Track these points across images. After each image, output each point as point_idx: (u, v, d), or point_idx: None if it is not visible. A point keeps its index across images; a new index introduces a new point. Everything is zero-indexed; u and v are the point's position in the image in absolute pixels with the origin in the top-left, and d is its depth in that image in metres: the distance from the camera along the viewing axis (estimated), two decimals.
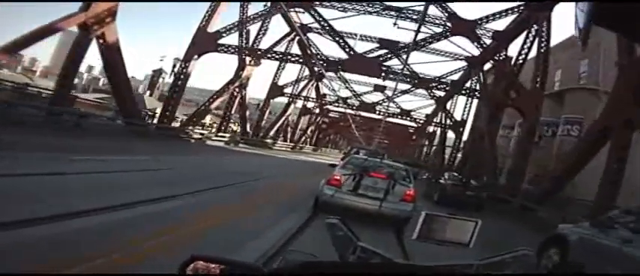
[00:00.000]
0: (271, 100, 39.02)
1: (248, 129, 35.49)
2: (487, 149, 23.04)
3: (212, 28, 25.82)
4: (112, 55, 19.66)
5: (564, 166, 16.98)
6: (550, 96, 25.01)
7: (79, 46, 18.62)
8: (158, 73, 50.50)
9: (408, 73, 28.64)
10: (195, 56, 25.70)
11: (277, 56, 30.38)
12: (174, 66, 29.68)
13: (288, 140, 47.35)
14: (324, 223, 1.60)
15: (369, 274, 1.26)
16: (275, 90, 38.24)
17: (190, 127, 26.15)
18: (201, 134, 27.25)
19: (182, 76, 25.15)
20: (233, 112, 32.63)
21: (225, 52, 27.13)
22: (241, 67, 30.23)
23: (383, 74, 27.45)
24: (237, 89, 31.26)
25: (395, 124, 55.20)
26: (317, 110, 53.12)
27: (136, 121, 21.18)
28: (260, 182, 12.19)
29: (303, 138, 54.53)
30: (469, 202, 14.54)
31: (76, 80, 30.85)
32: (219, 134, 30.93)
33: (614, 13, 0.79)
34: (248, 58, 30.15)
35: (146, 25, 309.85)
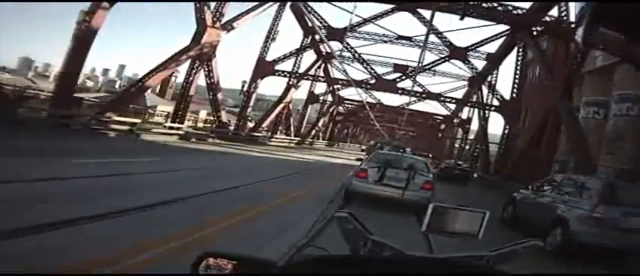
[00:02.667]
0: (260, 82, 29.86)
1: (225, 118, 26.23)
2: (572, 136, 18.16)
3: None
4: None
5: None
6: (592, 73, 19.08)
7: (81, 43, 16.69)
8: (170, 74, 43.58)
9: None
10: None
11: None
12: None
13: (293, 134, 38.19)
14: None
15: (381, 266, 1.24)
16: (262, 67, 29.01)
17: (110, 115, 17.13)
18: (133, 124, 18.18)
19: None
20: (192, 93, 23.40)
21: None
22: (202, 28, 21.11)
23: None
24: (197, 60, 22.10)
25: (420, 114, 48.69)
26: (329, 97, 44.56)
27: None
28: None
29: (313, 132, 46.06)
30: (458, 177, 22.67)
31: (91, 83, 34.09)
32: (177, 124, 21.79)
33: (615, 13, 0.78)
34: (209, 15, 20.96)
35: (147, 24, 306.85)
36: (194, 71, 22.31)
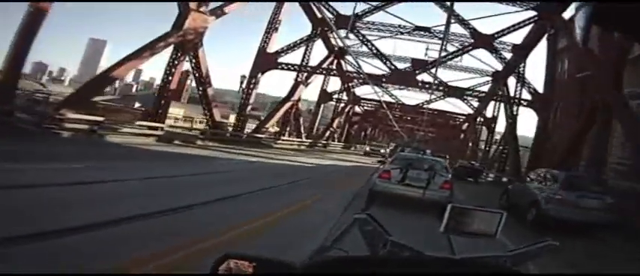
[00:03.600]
0: (262, 77, 26.60)
1: (219, 117, 22.98)
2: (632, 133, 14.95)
3: None
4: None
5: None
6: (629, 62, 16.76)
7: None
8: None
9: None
10: None
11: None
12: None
13: (303, 136, 34.89)
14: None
15: (401, 267, 1.25)
16: (263, 60, 25.78)
17: (64, 112, 14.17)
18: (97, 123, 15.13)
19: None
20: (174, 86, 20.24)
21: None
22: (184, 11, 18.08)
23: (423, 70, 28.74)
24: (180, 49, 19.00)
25: (440, 113, 45.49)
26: (344, 96, 41.12)
27: None
28: None
29: (327, 133, 42.92)
30: (470, 175, 24.72)
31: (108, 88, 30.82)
32: (156, 124, 18.61)
33: (615, 13, 0.78)
34: None
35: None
36: (176, 62, 19.14)
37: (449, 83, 30.59)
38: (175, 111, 37.73)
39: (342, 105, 42.36)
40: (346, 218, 6.30)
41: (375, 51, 28.74)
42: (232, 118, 34.79)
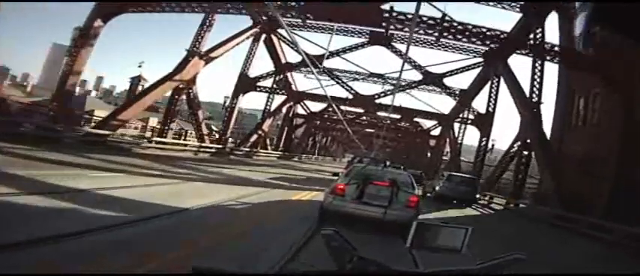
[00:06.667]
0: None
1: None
2: None
3: None
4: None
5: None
6: None
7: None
8: (136, 79, 44.52)
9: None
10: None
11: None
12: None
13: (208, 139, 27.90)
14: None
15: None
16: (244, 83, 29.30)
17: None
18: None
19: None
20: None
21: None
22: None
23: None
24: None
25: (402, 127, 45.98)
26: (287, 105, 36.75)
27: None
28: None
29: (255, 137, 33.97)
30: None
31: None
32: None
33: (614, 13, 0.76)
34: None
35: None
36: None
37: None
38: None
39: (279, 102, 34.83)
40: None
41: (339, 80, 32.28)
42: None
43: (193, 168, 16.27)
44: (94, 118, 22.58)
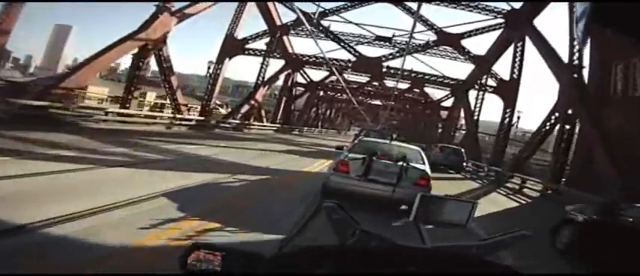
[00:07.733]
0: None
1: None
2: None
3: None
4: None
5: None
6: None
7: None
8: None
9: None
10: None
11: None
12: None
13: (187, 110, 25.48)
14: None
15: (370, 256, 1.23)
16: (231, 45, 25.24)
17: None
18: None
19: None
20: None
21: None
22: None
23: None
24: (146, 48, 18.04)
25: (410, 98, 42.41)
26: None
27: None
28: None
29: (246, 108, 30.33)
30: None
31: None
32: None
33: (614, 13, 0.76)
34: None
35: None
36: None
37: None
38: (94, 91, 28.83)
39: (276, 70, 31.79)
40: None
41: (339, 41, 28.20)
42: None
43: (143, 146, 12.44)
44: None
